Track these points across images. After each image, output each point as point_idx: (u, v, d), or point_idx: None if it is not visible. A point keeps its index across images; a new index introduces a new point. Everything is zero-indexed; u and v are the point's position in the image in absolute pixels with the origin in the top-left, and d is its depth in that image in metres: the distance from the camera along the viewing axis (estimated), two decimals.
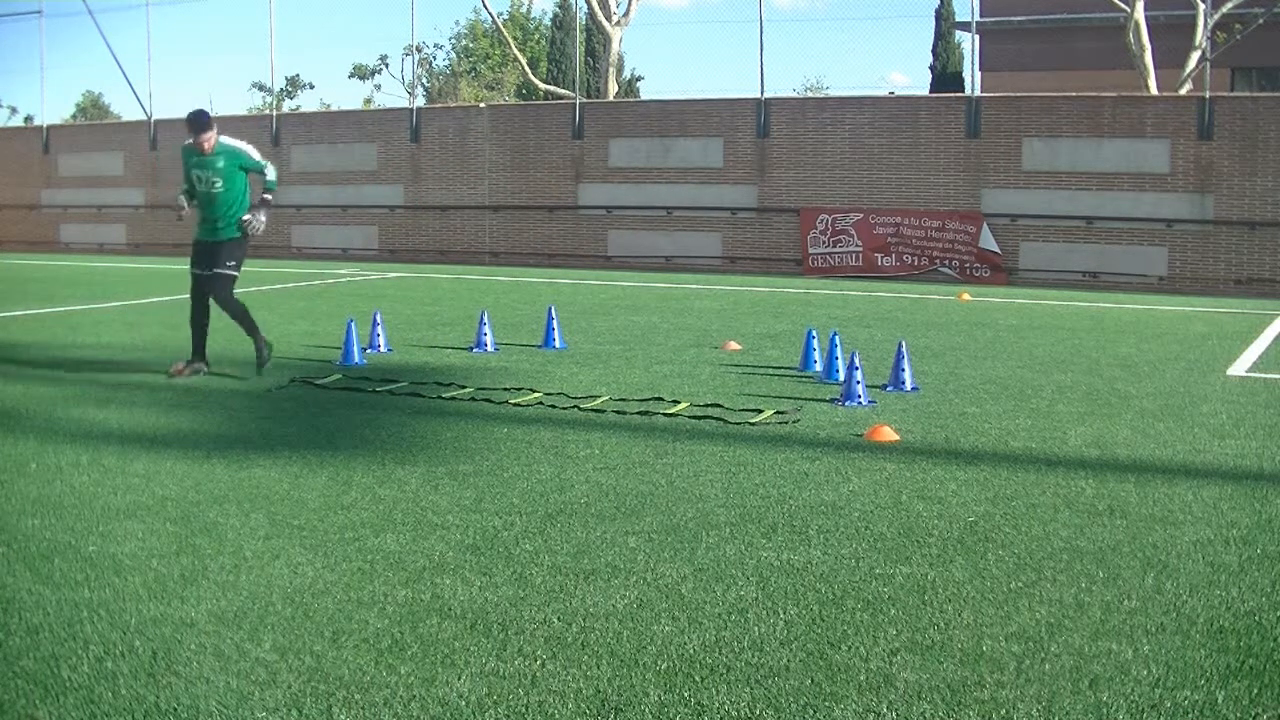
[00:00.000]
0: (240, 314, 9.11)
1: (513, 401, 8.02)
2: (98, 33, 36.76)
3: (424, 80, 46.51)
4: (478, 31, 47.94)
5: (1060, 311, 14.91)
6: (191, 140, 8.86)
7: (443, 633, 3.86)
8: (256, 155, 9.02)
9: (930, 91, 31.98)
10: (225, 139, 8.95)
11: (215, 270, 8.97)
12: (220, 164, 8.85)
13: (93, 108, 56.25)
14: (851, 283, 19.45)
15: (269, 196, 9.06)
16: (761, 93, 21.85)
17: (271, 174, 9.02)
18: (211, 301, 9.06)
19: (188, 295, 9.26)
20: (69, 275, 19.96)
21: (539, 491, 5.68)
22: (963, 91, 24.52)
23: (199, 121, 8.79)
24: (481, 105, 26.46)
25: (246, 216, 8.95)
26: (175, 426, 7.27)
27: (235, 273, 9.04)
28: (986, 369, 9.71)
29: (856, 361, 8.18)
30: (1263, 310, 15.51)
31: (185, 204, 9.04)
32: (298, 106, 46.08)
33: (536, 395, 8.23)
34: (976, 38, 23.35)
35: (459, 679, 3.51)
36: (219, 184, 8.88)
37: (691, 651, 3.72)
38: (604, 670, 3.58)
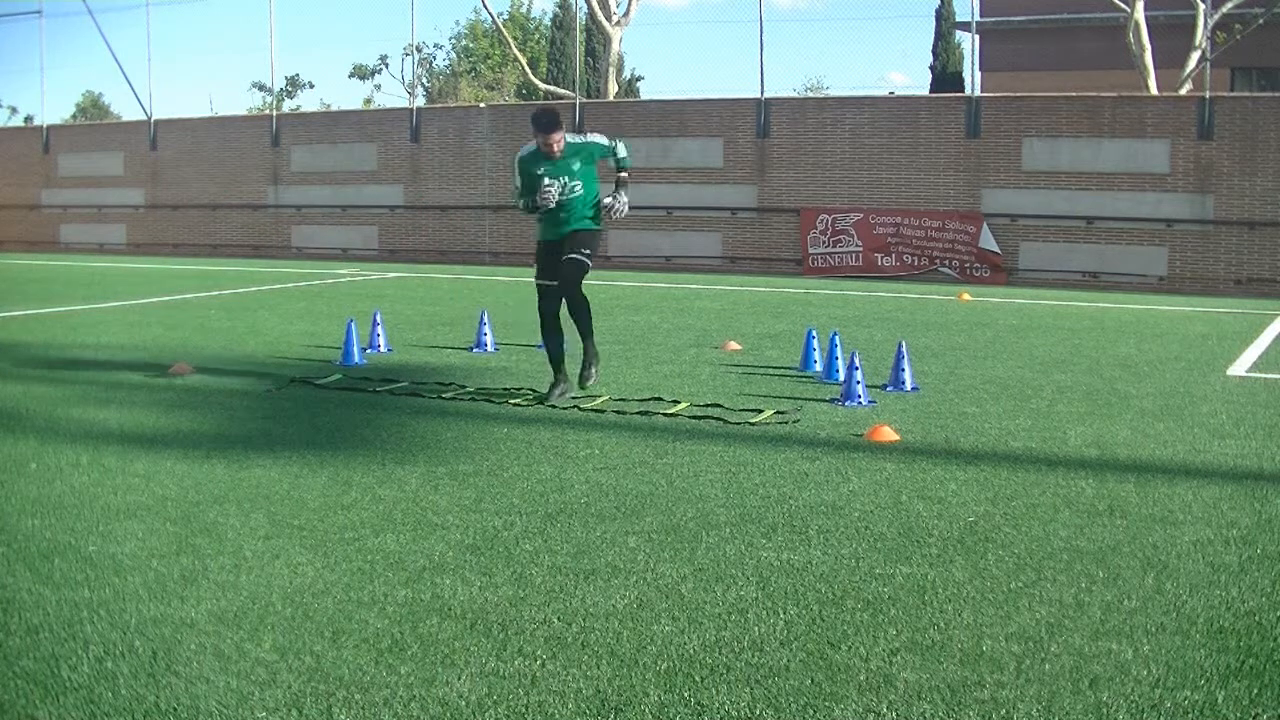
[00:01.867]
0: (584, 310, 8.03)
1: (513, 401, 8.02)
2: (98, 33, 36.78)
3: (424, 80, 46.52)
4: (478, 31, 47.94)
5: (1060, 311, 14.91)
6: (536, 144, 7.85)
7: (443, 633, 3.86)
8: (604, 139, 8.08)
9: (930, 91, 31.97)
10: (571, 136, 7.96)
11: (569, 255, 7.90)
12: (576, 166, 7.84)
13: (93, 108, 56.22)
14: (851, 283, 19.45)
15: (625, 175, 8.07)
16: (761, 93, 21.85)
17: (623, 150, 8.04)
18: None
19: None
20: (69, 275, 19.96)
21: (539, 491, 5.68)
22: (963, 91, 24.52)
23: (549, 122, 7.74)
24: (481, 105, 26.46)
25: (607, 200, 7.94)
26: (175, 426, 7.26)
27: (590, 261, 7.99)
28: (986, 369, 9.71)
29: (856, 361, 8.18)
30: (1263, 310, 15.50)
31: (549, 197, 7.82)
32: (298, 106, 46.08)
33: (536, 395, 8.23)
34: (976, 38, 23.36)
35: (459, 679, 3.51)
36: (579, 187, 7.90)
37: (691, 651, 3.72)
38: (604, 670, 3.58)
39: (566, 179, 7.83)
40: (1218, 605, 4.15)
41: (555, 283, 7.99)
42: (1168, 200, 19.06)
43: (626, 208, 7.99)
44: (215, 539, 4.87)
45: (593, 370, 8.12)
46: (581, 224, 7.99)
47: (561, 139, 7.77)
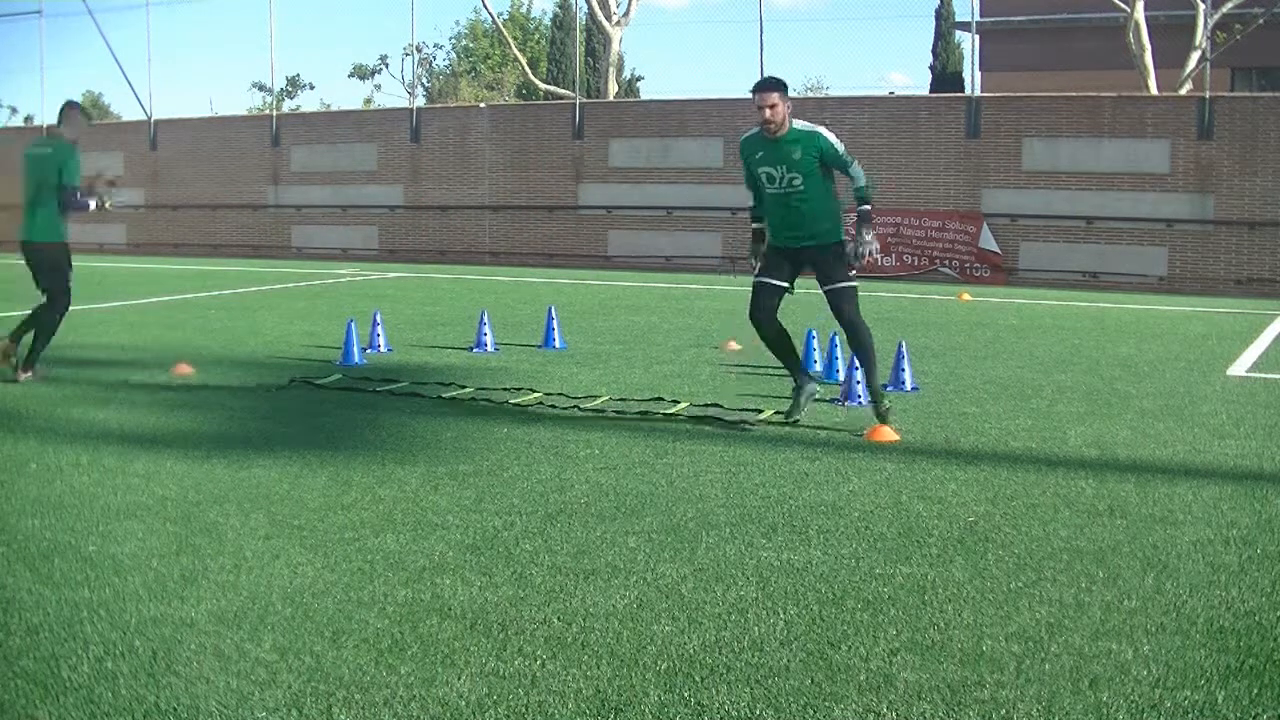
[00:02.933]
0: (867, 344, 7.16)
1: (513, 401, 8.02)
2: (98, 33, 36.74)
3: (424, 80, 46.52)
4: (478, 31, 47.96)
5: (1060, 311, 14.90)
6: (757, 124, 6.96)
7: (443, 633, 3.86)
8: (840, 146, 6.99)
9: (930, 91, 31.97)
10: (799, 121, 7.04)
11: (836, 284, 7.10)
12: (797, 154, 6.89)
13: (93, 108, 56.18)
14: None
15: (868, 208, 6.96)
16: None
17: (860, 173, 6.98)
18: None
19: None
20: None
21: (539, 491, 5.68)
22: (963, 91, 24.52)
23: (763, 81, 6.90)
24: (481, 105, 26.47)
25: (850, 247, 7.02)
26: (175, 426, 7.26)
27: (856, 283, 7.21)
28: (986, 369, 9.70)
29: (856, 362, 8.17)
30: (1263, 310, 15.51)
31: (756, 255, 7.31)
32: (298, 106, 46.07)
33: (536, 395, 8.23)
34: (976, 38, 23.35)
35: (459, 679, 3.51)
36: (799, 180, 6.94)
37: (691, 651, 3.72)
38: (604, 670, 3.58)
39: (785, 169, 6.93)
40: (1218, 605, 4.15)
41: (776, 282, 7.25)
42: (1168, 200, 19.06)
43: (871, 250, 7.00)
44: (215, 539, 4.87)
45: (885, 405, 7.08)
46: (820, 234, 7.11)
47: (780, 107, 6.85)
